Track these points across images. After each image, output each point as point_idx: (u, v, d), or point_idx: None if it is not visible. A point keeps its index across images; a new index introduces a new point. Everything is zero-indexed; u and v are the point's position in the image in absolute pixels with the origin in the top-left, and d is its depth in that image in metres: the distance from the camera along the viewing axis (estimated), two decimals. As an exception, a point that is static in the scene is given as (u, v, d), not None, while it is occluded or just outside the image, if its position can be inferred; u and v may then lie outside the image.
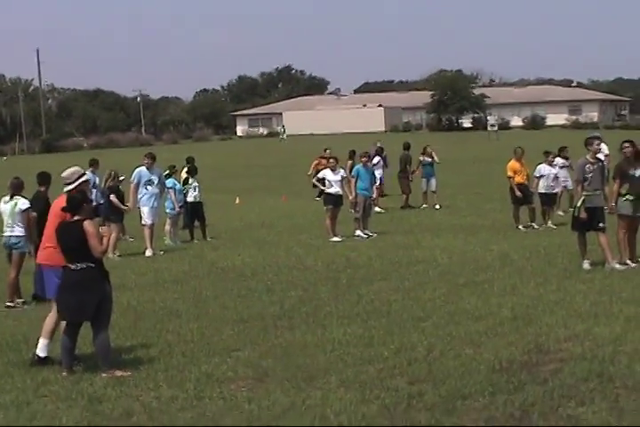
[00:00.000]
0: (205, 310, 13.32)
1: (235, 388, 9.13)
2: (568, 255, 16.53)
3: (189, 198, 23.09)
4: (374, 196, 24.25)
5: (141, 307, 13.87)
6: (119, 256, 19.92)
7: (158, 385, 9.31)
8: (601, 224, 15.39)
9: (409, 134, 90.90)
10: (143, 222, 20.79)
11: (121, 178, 21.25)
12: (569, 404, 8.00)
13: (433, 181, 29.44)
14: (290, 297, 14.04)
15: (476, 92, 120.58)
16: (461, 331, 11.04)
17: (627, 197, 15.55)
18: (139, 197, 20.64)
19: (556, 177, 23.28)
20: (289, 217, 27.86)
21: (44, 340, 10.47)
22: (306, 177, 33.90)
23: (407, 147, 30.87)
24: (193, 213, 23.27)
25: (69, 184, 10.79)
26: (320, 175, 22.91)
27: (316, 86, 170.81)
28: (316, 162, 32.98)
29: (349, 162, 26.15)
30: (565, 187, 24.72)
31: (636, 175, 15.61)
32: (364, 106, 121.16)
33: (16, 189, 15.02)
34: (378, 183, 26.47)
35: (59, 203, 10.59)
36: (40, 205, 14.64)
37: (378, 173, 27.97)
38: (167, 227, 22.54)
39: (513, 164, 23.13)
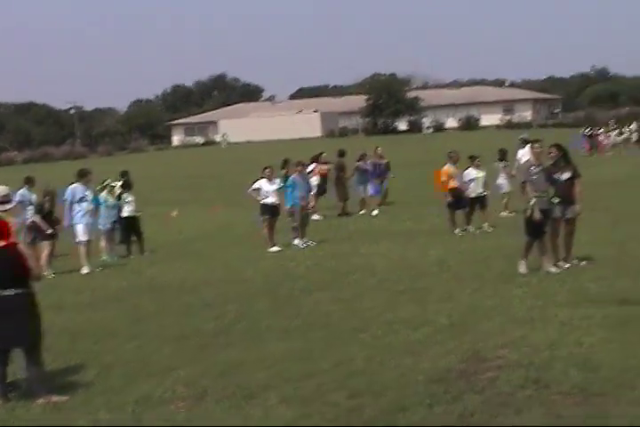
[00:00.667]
0: (144, 329, 13.19)
1: (174, 408, 9.06)
2: (504, 259, 16.62)
3: (124, 213, 22.92)
4: (312, 204, 24.34)
5: (78, 327, 13.68)
6: (54, 274, 19.72)
7: (96, 409, 9.20)
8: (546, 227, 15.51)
9: (345, 139, 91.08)
10: (77, 240, 20.58)
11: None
12: (506, 412, 8.05)
13: (369, 187, 29.60)
14: (228, 312, 13.95)
15: (411, 94, 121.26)
16: (400, 340, 11.06)
17: (553, 199, 15.69)
18: (73, 213, 20.44)
19: (485, 180, 23.43)
20: (227, 228, 27.76)
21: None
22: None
23: (342, 154, 30.95)
24: (129, 228, 23.09)
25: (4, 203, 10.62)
26: (256, 185, 22.84)
27: (250, 93, 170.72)
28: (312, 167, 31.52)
29: (284, 171, 26.06)
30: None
31: (562, 179, 15.77)
32: (300, 112, 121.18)
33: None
34: (314, 191, 26.48)
35: None
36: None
37: (313, 179, 27.99)
38: (102, 243, 22.37)
39: (448, 168, 23.27)
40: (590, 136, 59.29)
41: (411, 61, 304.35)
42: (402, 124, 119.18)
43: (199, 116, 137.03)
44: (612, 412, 7.86)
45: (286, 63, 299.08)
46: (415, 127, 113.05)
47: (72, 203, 20.41)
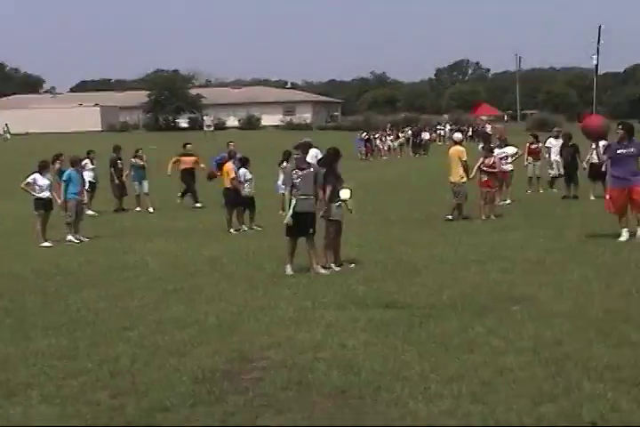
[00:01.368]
0: None
1: None
2: (276, 259, 16.78)
3: None
4: (86, 199, 24.05)
5: None
6: None
7: None
8: (311, 230, 15.78)
9: (126, 134, 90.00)
10: None
11: None
12: (267, 413, 8.16)
13: (145, 184, 29.42)
14: (-5, 308, 13.57)
15: (193, 92, 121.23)
16: (167, 340, 11.00)
17: (339, 202, 16.02)
18: None
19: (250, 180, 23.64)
20: (-2, 221, 26.96)
21: None
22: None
23: (116, 149, 30.54)
24: None
25: None
26: (29, 179, 22.22)
27: (30, 84, 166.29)
28: (173, 160, 30.73)
29: (57, 165, 25.51)
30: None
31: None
32: (80, 105, 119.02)
33: None
34: (87, 186, 26.04)
35: None
36: None
37: (87, 175, 27.49)
38: None
39: (227, 166, 23.50)
40: (368, 140, 60.86)
41: (194, 59, 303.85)
42: (183, 122, 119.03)
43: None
44: (369, 413, 8.08)
45: (68, 55, 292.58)
46: (196, 124, 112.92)
47: None
